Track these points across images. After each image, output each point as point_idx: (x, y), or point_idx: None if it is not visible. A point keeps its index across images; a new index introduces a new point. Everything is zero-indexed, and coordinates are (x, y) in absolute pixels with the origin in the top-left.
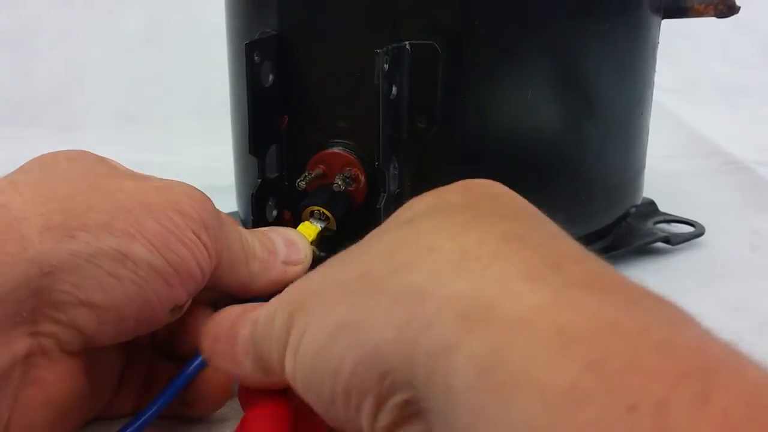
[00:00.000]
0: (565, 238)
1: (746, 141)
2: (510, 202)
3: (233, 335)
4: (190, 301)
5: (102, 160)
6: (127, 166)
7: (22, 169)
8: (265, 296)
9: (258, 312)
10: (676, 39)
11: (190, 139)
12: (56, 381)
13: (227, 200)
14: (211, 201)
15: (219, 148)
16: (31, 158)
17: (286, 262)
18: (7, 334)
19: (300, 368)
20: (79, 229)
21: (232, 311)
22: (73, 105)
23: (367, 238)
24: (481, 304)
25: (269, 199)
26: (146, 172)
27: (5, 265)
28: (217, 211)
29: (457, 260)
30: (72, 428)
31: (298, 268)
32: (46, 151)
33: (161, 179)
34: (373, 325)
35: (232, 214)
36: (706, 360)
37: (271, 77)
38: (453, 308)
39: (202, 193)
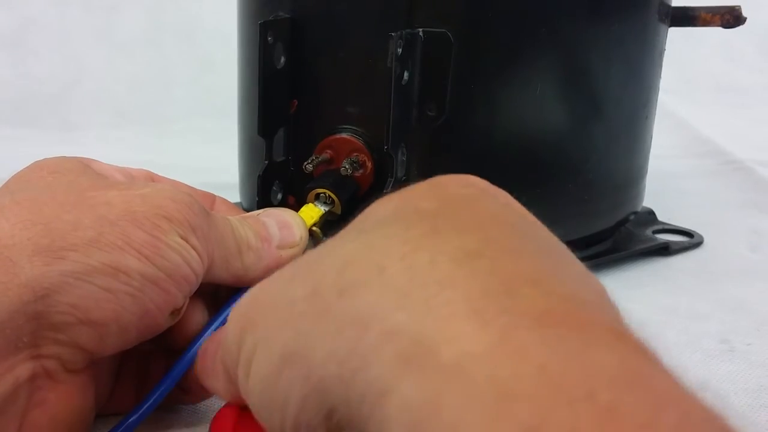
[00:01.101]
0: (533, 248)
1: (746, 141)
2: (482, 206)
3: (214, 352)
4: (187, 302)
5: (85, 170)
6: (124, 167)
7: (6, 189)
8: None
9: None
10: (676, 39)
11: (189, 139)
12: (62, 400)
13: (227, 199)
14: (198, 202)
15: (218, 148)
16: (14, 174)
17: (280, 246)
18: (9, 360)
19: (250, 394)
20: (67, 249)
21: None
22: (72, 105)
23: (324, 245)
24: (421, 343)
25: (275, 182)
26: None
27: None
28: (206, 211)
29: (404, 285)
30: None
31: (294, 251)
32: (45, 152)
33: (145, 184)
34: (317, 356)
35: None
36: None
37: (282, 59)
38: (391, 345)
39: (188, 195)
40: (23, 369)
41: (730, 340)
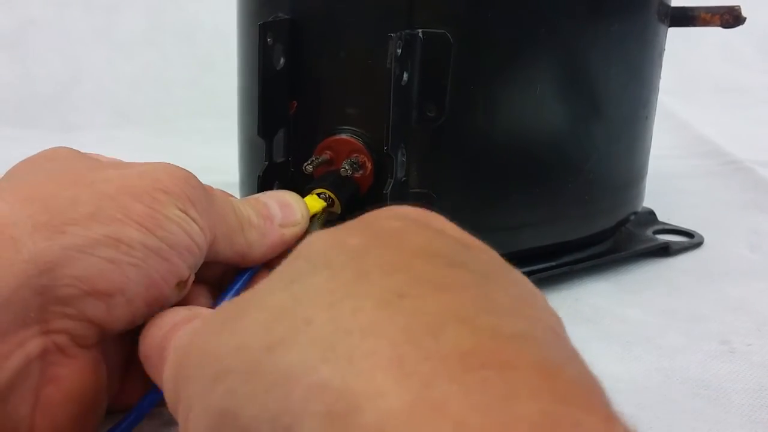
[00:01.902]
0: (463, 279)
1: (746, 141)
2: (410, 240)
3: (162, 352)
4: (193, 276)
5: (81, 156)
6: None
7: (3, 178)
8: (266, 262)
9: (177, 338)
10: (676, 39)
11: (189, 139)
12: (75, 376)
13: None
14: (195, 177)
15: (218, 148)
16: (12, 166)
17: (282, 225)
18: (19, 335)
19: None
20: (67, 223)
21: (164, 322)
22: (72, 105)
23: (254, 290)
24: (345, 399)
25: (275, 183)
26: None
27: (3, 269)
28: (204, 186)
29: (329, 337)
30: (95, 424)
31: (296, 229)
32: None
33: (143, 163)
34: (248, 416)
35: None
36: None
37: (282, 60)
38: (318, 401)
39: (185, 170)
40: (34, 344)
41: (730, 340)
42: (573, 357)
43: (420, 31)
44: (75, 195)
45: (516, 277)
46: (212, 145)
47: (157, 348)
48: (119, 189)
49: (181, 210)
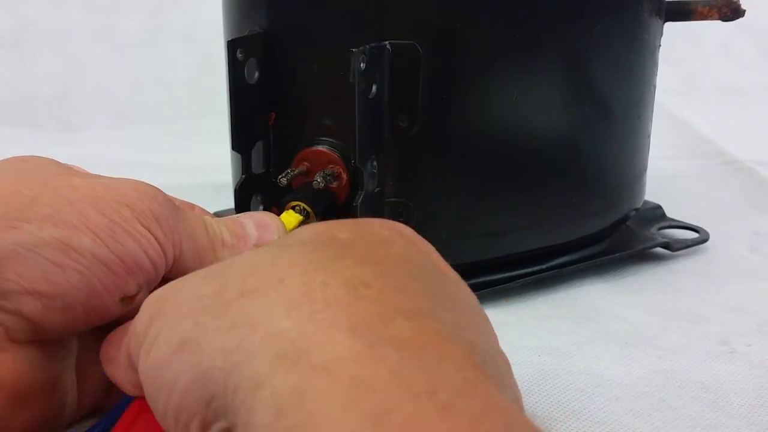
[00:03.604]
0: (421, 288)
1: (746, 141)
2: (393, 247)
3: (119, 341)
4: (145, 294)
5: (55, 163)
6: (126, 167)
7: None
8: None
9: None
10: (676, 39)
11: (189, 139)
12: (7, 370)
13: (227, 199)
14: (164, 194)
15: (218, 148)
16: None
17: (258, 245)
18: None
19: (146, 374)
20: (21, 220)
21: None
22: (72, 105)
23: (242, 254)
24: (298, 346)
25: (256, 195)
26: (146, 172)
27: None
28: (173, 204)
29: (297, 298)
30: (35, 422)
31: None
32: (45, 152)
33: (113, 177)
34: (209, 347)
35: (229, 211)
36: (483, 428)
37: (256, 74)
38: (272, 345)
39: (154, 187)
40: None
41: (730, 341)
42: (494, 359)
43: (387, 43)
44: (36, 195)
45: (469, 304)
46: (212, 145)
47: (117, 340)
48: (82, 197)
49: (143, 225)
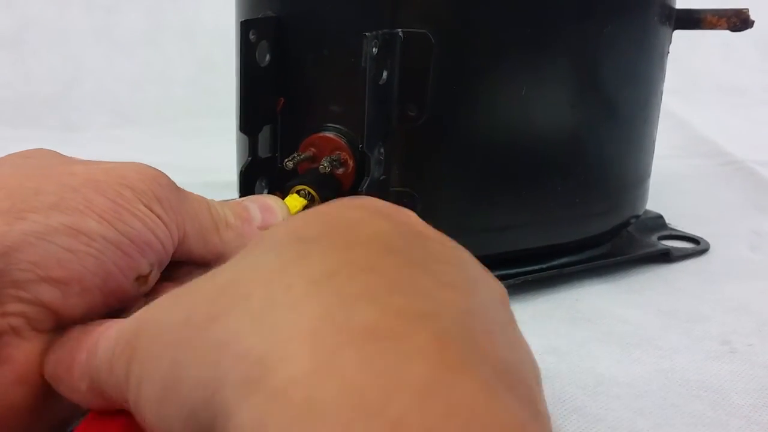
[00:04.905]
0: (396, 263)
1: (746, 141)
2: (363, 228)
3: (71, 361)
4: (157, 274)
5: (57, 155)
6: None
7: None
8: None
9: (95, 340)
10: (676, 39)
11: (189, 140)
12: (29, 359)
13: (227, 198)
14: (166, 176)
15: (218, 148)
16: None
17: (262, 227)
18: None
19: (146, 419)
20: (28, 210)
21: (71, 335)
22: (72, 105)
23: (206, 273)
24: (261, 365)
25: (261, 179)
26: None
27: None
28: (175, 186)
29: (260, 311)
30: (54, 411)
31: None
32: None
33: (113, 162)
34: (189, 384)
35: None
36: None
37: (267, 57)
38: (240, 369)
39: (155, 169)
40: None
41: (731, 341)
42: (485, 337)
43: (400, 30)
44: (39, 185)
45: (455, 260)
46: (212, 145)
47: (68, 353)
48: (84, 182)
49: (145, 206)
